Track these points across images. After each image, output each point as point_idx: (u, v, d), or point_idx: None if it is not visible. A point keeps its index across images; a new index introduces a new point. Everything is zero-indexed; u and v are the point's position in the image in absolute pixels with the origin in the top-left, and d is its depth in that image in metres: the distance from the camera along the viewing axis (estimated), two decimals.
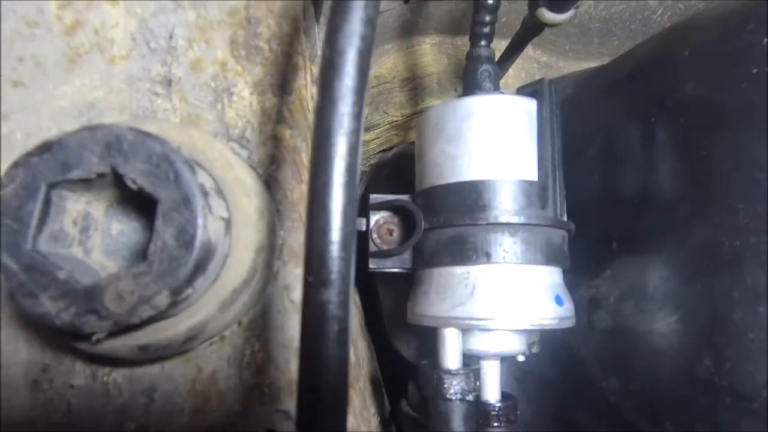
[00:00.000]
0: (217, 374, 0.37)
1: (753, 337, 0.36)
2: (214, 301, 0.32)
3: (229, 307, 0.32)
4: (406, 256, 0.54)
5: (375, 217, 0.55)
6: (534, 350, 0.62)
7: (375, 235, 0.54)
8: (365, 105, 0.28)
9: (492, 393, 0.53)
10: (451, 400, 0.45)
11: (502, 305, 0.46)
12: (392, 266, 0.54)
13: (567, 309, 0.48)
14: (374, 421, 0.59)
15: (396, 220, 0.55)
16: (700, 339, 0.39)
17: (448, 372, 0.46)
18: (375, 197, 0.56)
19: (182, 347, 0.32)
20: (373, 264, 0.54)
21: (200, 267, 0.28)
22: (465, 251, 0.47)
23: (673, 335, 0.42)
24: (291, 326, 0.38)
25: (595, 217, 0.54)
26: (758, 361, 0.35)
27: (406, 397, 0.67)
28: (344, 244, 0.24)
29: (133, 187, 0.28)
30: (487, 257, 0.47)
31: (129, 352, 0.31)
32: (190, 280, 0.28)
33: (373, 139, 0.93)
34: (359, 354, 0.62)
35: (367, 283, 0.78)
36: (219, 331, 0.37)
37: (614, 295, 0.50)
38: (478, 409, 0.52)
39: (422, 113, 0.56)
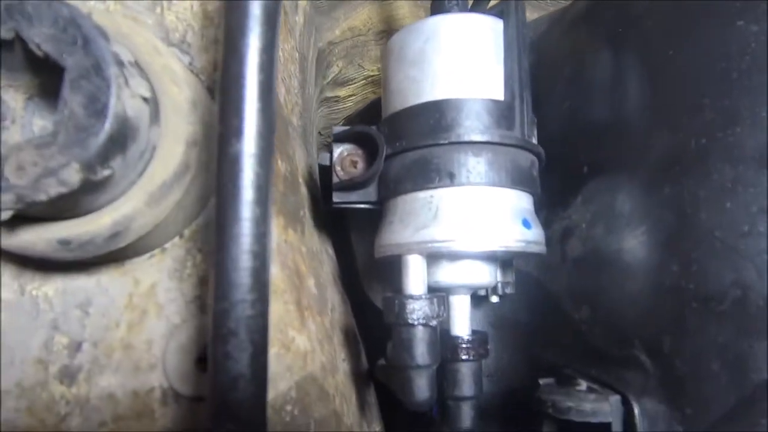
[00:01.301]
0: (157, 287, 0.35)
1: (719, 235, 0.34)
2: (141, 194, 0.29)
3: (159, 203, 0.30)
4: (372, 189, 0.52)
5: (338, 150, 0.53)
6: (508, 290, 0.60)
7: (338, 168, 0.52)
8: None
9: (461, 328, 0.51)
10: (413, 325, 0.43)
11: (465, 227, 0.44)
12: (357, 200, 0.52)
13: (535, 233, 0.46)
14: (343, 368, 0.57)
15: (360, 152, 0.53)
16: (667, 246, 0.38)
17: (410, 297, 0.44)
18: (338, 128, 0.53)
19: (109, 245, 0.30)
20: (337, 198, 0.52)
21: (117, 144, 0.26)
22: (428, 174, 0.45)
23: (640, 248, 0.40)
24: None
25: (566, 145, 0.52)
26: (725, 260, 0.34)
27: (385, 356, 0.66)
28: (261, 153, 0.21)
29: (38, 53, 0.25)
30: (450, 178, 0.45)
31: (48, 247, 0.29)
32: (105, 155, 0.25)
33: (348, 96, 0.90)
34: (331, 303, 0.60)
35: (342, 234, 0.76)
36: (157, 242, 0.35)
37: (585, 221, 0.49)
38: (447, 343, 0.50)
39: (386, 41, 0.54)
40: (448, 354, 0.49)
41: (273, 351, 0.36)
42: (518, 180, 0.46)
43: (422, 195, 0.46)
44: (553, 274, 0.55)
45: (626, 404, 0.39)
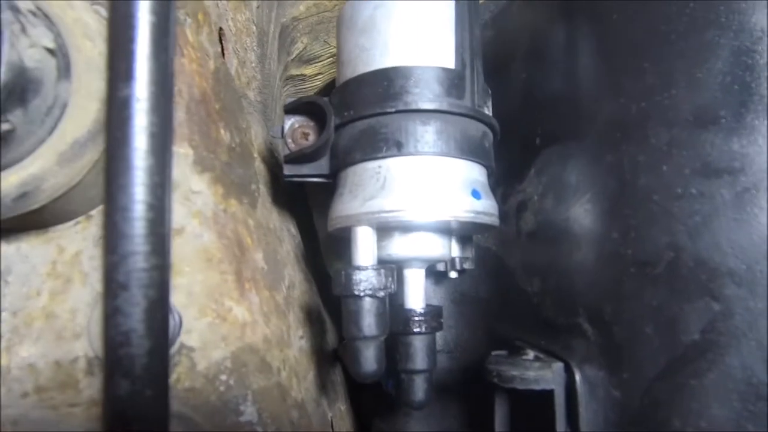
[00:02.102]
0: (81, 255, 0.34)
1: (657, 199, 0.34)
2: (51, 153, 0.28)
3: (72, 162, 0.29)
4: (323, 161, 0.50)
5: (289, 121, 0.51)
6: (467, 266, 0.60)
7: (290, 140, 0.51)
8: None
9: (415, 301, 0.51)
10: (359, 296, 0.42)
11: (413, 197, 0.43)
12: (309, 172, 0.51)
13: (486, 204, 0.46)
14: (300, 344, 0.56)
15: (312, 124, 0.52)
16: (609, 213, 0.38)
17: (357, 268, 0.43)
18: (290, 101, 0.52)
19: (18, 207, 0.29)
20: (288, 170, 0.51)
21: (14, 95, 0.25)
22: (376, 143, 0.44)
23: (585, 216, 0.40)
24: None
25: (522, 118, 0.52)
26: (661, 223, 0.33)
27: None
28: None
29: None
30: (398, 147, 0.44)
31: None
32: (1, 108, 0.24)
33: (315, 74, 0.89)
34: (289, 281, 0.59)
35: (305, 213, 0.75)
36: (81, 208, 0.33)
37: (537, 193, 0.48)
38: (400, 317, 0.50)
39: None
40: (401, 327, 0.49)
41: (206, 320, 0.35)
42: (468, 150, 0.45)
43: (371, 165, 0.45)
44: (510, 248, 0.55)
45: (568, 372, 0.39)
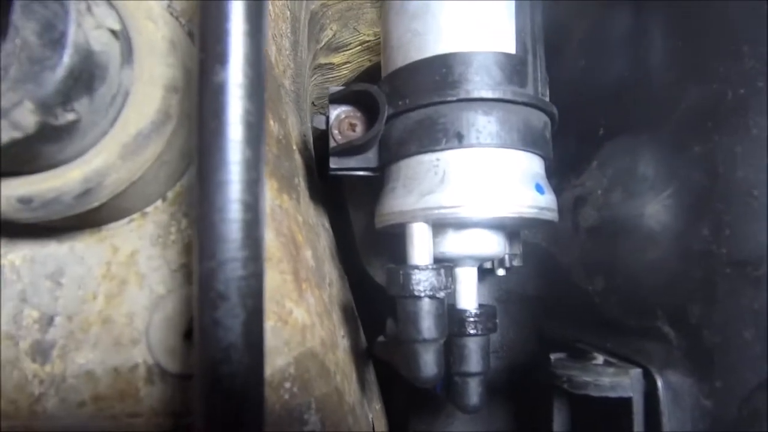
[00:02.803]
0: (138, 255, 0.31)
1: (757, 194, 0.31)
2: (114, 145, 0.26)
3: (135, 156, 0.26)
4: (372, 154, 0.48)
5: (336, 111, 0.49)
6: (515, 263, 0.57)
7: (336, 131, 0.48)
8: None
9: (468, 301, 0.48)
10: (419, 297, 0.40)
11: (474, 192, 0.40)
12: (356, 165, 0.48)
13: (548, 200, 0.43)
14: (343, 345, 0.54)
15: (359, 114, 0.49)
16: (697, 208, 0.35)
17: (416, 267, 0.41)
18: (335, 88, 0.49)
19: (80, 205, 0.26)
20: (334, 163, 0.49)
21: (81, 82, 0.22)
22: (434, 134, 0.42)
23: (665, 212, 0.37)
24: None
25: (580, 107, 0.49)
26: (763, 221, 0.31)
27: (384, 332, 0.63)
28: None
29: None
30: (459, 139, 0.41)
31: (7, 205, 0.25)
32: (66, 95, 0.22)
33: (343, 63, 0.86)
34: (329, 278, 0.57)
35: (339, 207, 0.73)
36: (137, 204, 0.31)
37: (601, 187, 0.46)
38: (453, 318, 0.47)
39: None
40: (455, 328, 0.46)
41: (269, 324, 0.33)
42: (531, 141, 0.43)
43: (427, 158, 0.43)
44: (564, 245, 0.52)
45: (648, 378, 0.36)
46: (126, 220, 0.32)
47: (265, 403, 0.32)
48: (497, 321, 0.48)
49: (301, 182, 0.54)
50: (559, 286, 0.52)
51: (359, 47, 0.84)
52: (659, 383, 0.35)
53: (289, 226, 0.39)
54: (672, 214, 0.37)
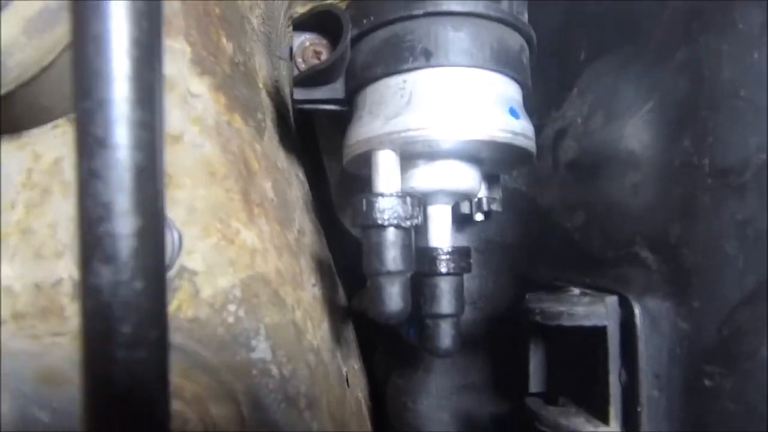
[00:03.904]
0: (62, 163, 0.29)
1: (744, 94, 0.28)
2: (16, 19, 0.23)
3: (42, 34, 0.23)
4: (338, 84, 0.45)
5: (299, 39, 0.46)
6: (494, 207, 0.55)
7: (300, 60, 0.45)
8: None
9: (441, 239, 0.46)
10: (383, 226, 0.37)
11: (443, 113, 0.38)
12: (322, 96, 0.45)
13: (524, 126, 0.40)
14: (312, 292, 0.52)
15: (325, 41, 0.46)
16: (678, 119, 0.32)
17: (380, 195, 0.38)
18: (297, 16, 0.46)
19: None
20: (299, 94, 0.45)
21: None
22: (400, 53, 0.39)
23: (645, 129, 0.34)
24: None
25: (561, 35, 0.46)
26: (748, 122, 0.28)
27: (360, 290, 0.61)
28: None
29: None
30: (426, 57, 0.38)
31: None
32: None
33: None
34: (299, 225, 0.54)
35: (316, 160, 0.70)
36: (60, 107, 0.28)
37: (582, 115, 0.43)
38: (425, 256, 0.45)
39: None
40: (426, 267, 0.44)
41: (211, 241, 0.30)
42: (505, 62, 0.40)
43: (394, 81, 0.40)
44: (544, 185, 0.49)
45: (625, 305, 0.34)
46: (50, 126, 0.29)
47: (206, 323, 0.30)
48: (471, 261, 0.46)
49: (267, 120, 0.51)
50: (539, 229, 0.50)
51: None
52: (636, 309, 0.33)
53: (241, 147, 0.36)
54: (652, 129, 0.34)
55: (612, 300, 0.34)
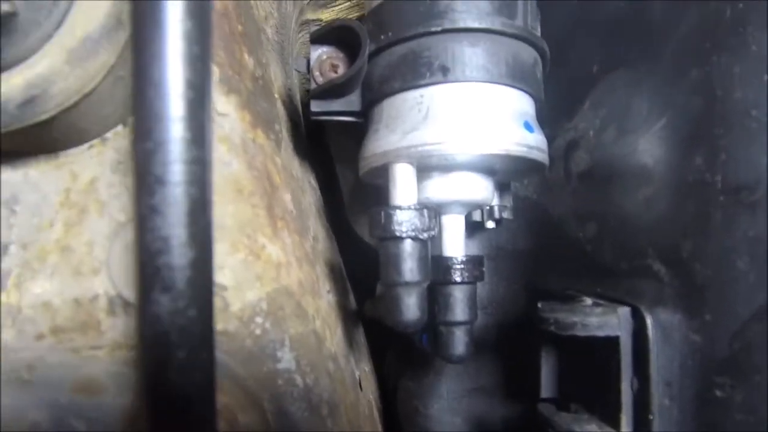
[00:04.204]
0: (98, 182, 0.30)
1: (756, 114, 0.29)
2: (59, 49, 0.24)
3: (84, 62, 0.24)
4: (354, 97, 0.46)
5: (317, 52, 0.47)
6: (506, 215, 0.56)
7: (317, 73, 0.46)
8: None
9: (454, 249, 0.47)
10: (400, 238, 0.39)
11: (459, 128, 0.39)
12: (339, 109, 0.46)
13: (538, 139, 0.41)
14: (328, 299, 0.53)
15: (342, 55, 0.47)
16: (691, 136, 0.33)
17: (398, 208, 0.39)
18: (315, 29, 0.47)
19: (25, 115, 0.25)
20: (315, 106, 0.46)
21: None
22: (417, 69, 0.40)
23: (659, 145, 0.35)
24: None
25: (572, 47, 0.47)
26: (760, 141, 0.29)
27: (373, 297, 0.62)
28: None
29: None
30: (443, 73, 0.39)
31: None
32: None
33: (332, 20, 0.83)
34: (314, 232, 0.55)
35: (326, 166, 0.71)
36: (95, 128, 0.29)
37: (594, 128, 0.44)
38: (439, 265, 0.46)
39: None
40: (440, 276, 0.45)
41: (239, 257, 0.31)
42: (520, 77, 0.41)
43: (411, 95, 0.41)
44: (556, 195, 0.50)
45: (637, 316, 0.35)
46: (86, 146, 0.30)
47: (234, 336, 0.31)
48: (484, 270, 0.47)
49: (283, 131, 0.52)
50: (550, 238, 0.51)
51: (348, 3, 0.81)
52: (648, 321, 0.34)
53: (264, 162, 0.37)
54: (666, 145, 0.35)
55: (624, 311, 0.35)
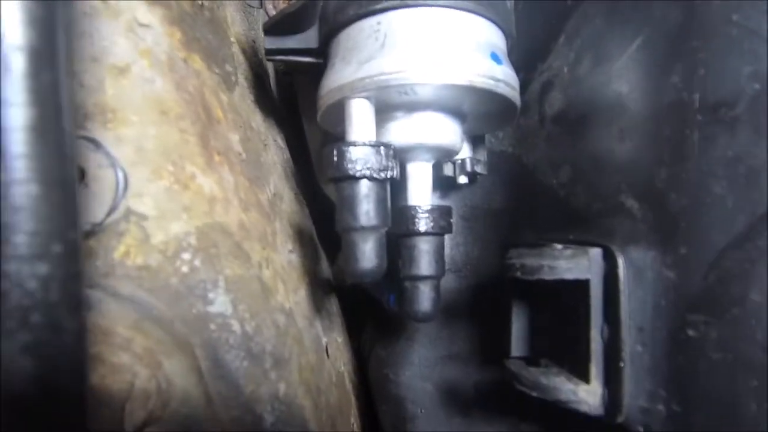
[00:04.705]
0: None
1: (737, 19, 0.26)
2: None
3: None
4: (312, 32, 0.42)
5: None
6: (478, 169, 0.53)
7: (270, 6, 0.43)
8: None
9: (420, 197, 0.44)
10: (354, 177, 0.35)
11: (420, 55, 0.35)
12: (294, 46, 0.42)
13: (506, 72, 0.38)
14: (289, 257, 0.50)
15: None
16: (668, 54, 0.30)
17: (352, 144, 0.36)
18: None
19: None
20: (269, 43, 0.43)
21: None
22: None
23: (634, 68, 0.32)
24: (101, 33, 0.27)
25: None
26: (741, 49, 0.26)
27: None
28: None
29: None
30: None
31: None
32: None
33: None
34: (275, 189, 0.52)
35: (298, 128, 0.67)
36: None
37: (568, 63, 0.40)
38: (403, 215, 0.43)
39: None
40: (404, 227, 0.42)
41: (163, 184, 0.28)
42: (487, 5, 0.37)
43: (368, 23, 0.37)
44: (530, 143, 0.47)
45: (608, 257, 0.32)
46: None
47: (157, 272, 0.28)
48: (452, 221, 0.44)
49: (239, 76, 0.49)
50: (525, 190, 0.48)
51: None
52: (620, 260, 0.31)
53: (200, 90, 0.34)
54: (641, 68, 0.32)
55: (595, 252, 0.33)
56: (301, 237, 0.56)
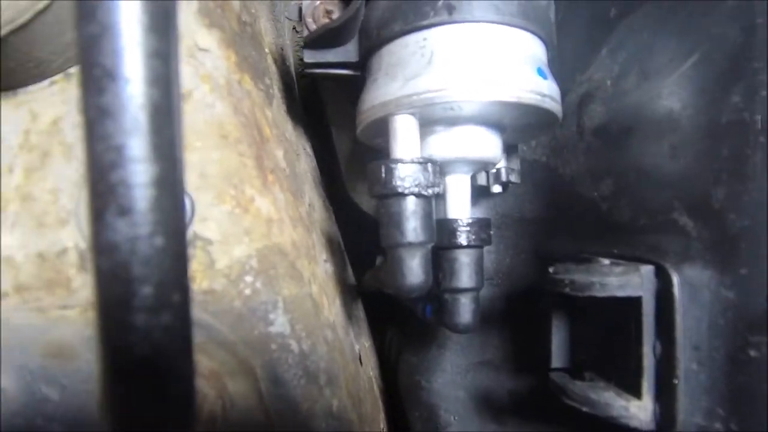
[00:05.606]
0: (61, 122, 0.26)
1: None
2: None
3: None
4: (351, 46, 0.42)
5: None
6: (513, 178, 0.53)
7: (310, 20, 0.43)
8: None
9: (459, 210, 0.44)
10: (402, 194, 0.35)
11: (466, 72, 0.35)
12: (334, 59, 0.42)
13: (552, 87, 0.38)
14: (325, 267, 0.50)
15: (336, 0, 0.43)
16: (727, 73, 0.30)
17: (400, 161, 0.36)
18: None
19: None
20: (309, 57, 0.43)
21: None
22: (420, 7, 0.36)
23: (687, 85, 0.32)
24: None
25: None
26: None
27: (372, 267, 0.59)
28: None
29: None
30: (449, 11, 0.35)
31: None
32: None
33: None
34: (309, 200, 0.52)
35: (323, 138, 0.67)
36: (58, 61, 0.26)
37: (611, 76, 0.40)
38: (443, 229, 0.43)
39: None
40: (445, 240, 0.42)
41: (226, 208, 0.28)
42: (533, 18, 0.37)
43: (413, 39, 0.37)
44: (567, 154, 0.47)
45: (661, 275, 0.32)
46: (47, 82, 0.26)
47: (222, 296, 0.28)
48: (491, 233, 0.44)
49: (274, 88, 0.49)
50: (561, 201, 0.48)
51: None
52: (675, 279, 0.31)
53: (252, 110, 0.34)
54: (695, 86, 0.31)
55: (647, 270, 0.33)
56: (331, 245, 0.57)
